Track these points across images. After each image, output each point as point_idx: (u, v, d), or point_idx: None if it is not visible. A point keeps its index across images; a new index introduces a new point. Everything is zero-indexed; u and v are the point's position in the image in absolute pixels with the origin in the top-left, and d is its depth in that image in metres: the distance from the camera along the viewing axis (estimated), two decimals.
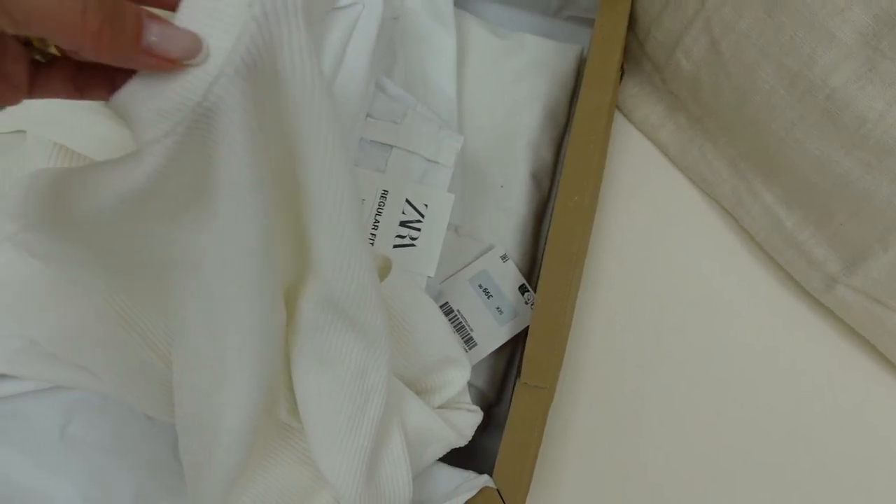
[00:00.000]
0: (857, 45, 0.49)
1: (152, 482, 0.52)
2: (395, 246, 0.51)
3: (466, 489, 0.47)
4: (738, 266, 0.65)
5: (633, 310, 0.64)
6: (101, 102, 0.28)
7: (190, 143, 0.27)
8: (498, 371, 0.61)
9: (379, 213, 0.51)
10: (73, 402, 0.50)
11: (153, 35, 0.24)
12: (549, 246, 0.52)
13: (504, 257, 0.59)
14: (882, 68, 0.48)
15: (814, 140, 0.54)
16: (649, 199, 0.67)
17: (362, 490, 0.41)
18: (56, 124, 0.29)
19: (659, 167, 0.68)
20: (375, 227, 0.51)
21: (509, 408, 0.51)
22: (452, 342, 0.47)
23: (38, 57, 0.27)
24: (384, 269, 0.43)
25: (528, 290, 0.59)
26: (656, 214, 0.66)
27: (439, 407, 0.48)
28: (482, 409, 0.59)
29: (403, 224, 0.51)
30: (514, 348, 0.63)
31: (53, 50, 0.27)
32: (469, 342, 0.57)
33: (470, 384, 0.52)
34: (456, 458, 0.50)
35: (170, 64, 0.25)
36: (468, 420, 0.48)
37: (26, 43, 0.26)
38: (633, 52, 0.67)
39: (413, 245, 0.51)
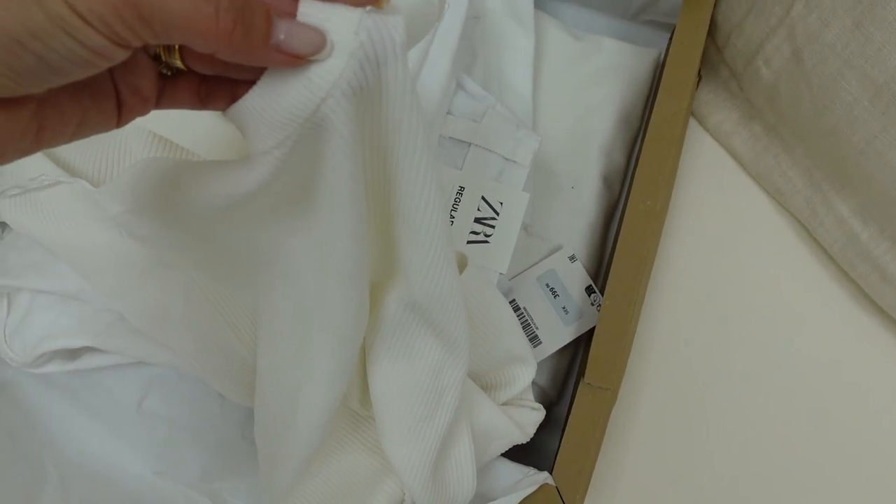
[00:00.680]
0: None
1: (219, 460, 0.54)
2: (469, 242, 0.52)
3: (527, 485, 0.48)
4: (809, 278, 0.64)
5: (700, 317, 0.64)
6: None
7: (298, 154, 0.28)
8: (560, 370, 0.61)
9: (455, 209, 0.52)
10: (152, 377, 0.52)
11: (282, 33, 0.25)
12: (619, 248, 0.52)
13: (572, 258, 0.60)
14: None
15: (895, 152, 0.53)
16: (720, 207, 0.66)
17: (429, 483, 0.42)
18: (158, 117, 0.30)
19: (731, 175, 0.67)
20: (451, 223, 0.52)
21: (570, 407, 0.51)
22: (521, 340, 0.47)
23: (165, 70, 0.28)
24: (460, 266, 0.44)
25: (594, 292, 0.60)
26: (727, 222, 0.66)
27: (504, 403, 0.49)
28: (543, 406, 0.60)
29: (478, 221, 0.52)
30: (576, 348, 0.63)
31: (179, 64, 0.28)
32: (534, 340, 0.58)
33: (532, 382, 0.53)
34: (514, 453, 0.51)
35: (298, 60, 0.26)
36: (531, 417, 0.49)
37: (155, 57, 0.28)
38: (711, 58, 0.67)
39: (487, 242, 0.52)
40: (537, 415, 0.50)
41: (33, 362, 0.48)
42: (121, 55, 0.23)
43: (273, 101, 0.27)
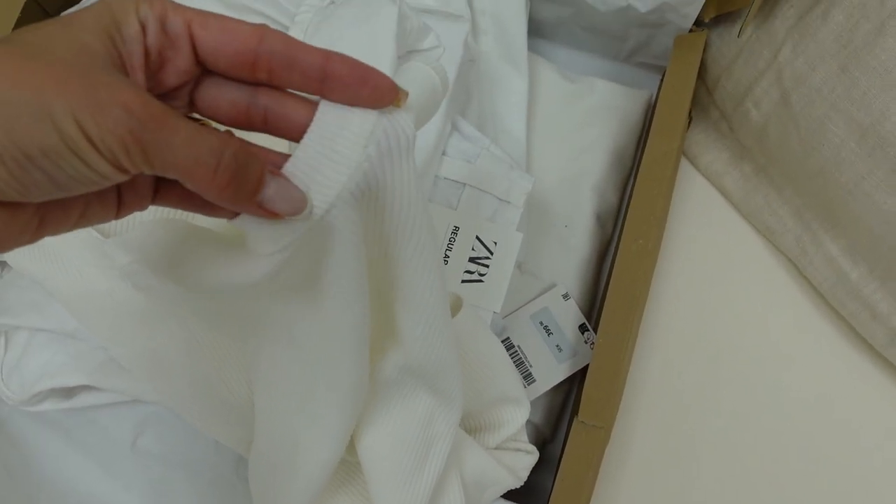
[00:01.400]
0: None
1: (214, 499, 0.53)
2: (464, 281, 0.53)
3: None
4: (799, 316, 0.65)
5: (692, 355, 0.64)
6: None
7: (301, 254, 0.29)
8: (554, 408, 0.61)
9: (449, 249, 0.53)
10: (147, 415, 0.52)
11: (269, 190, 0.26)
12: (612, 288, 0.52)
13: (566, 296, 0.60)
14: None
15: (883, 195, 0.54)
16: (712, 246, 0.67)
17: None
18: None
19: (722, 214, 0.68)
20: (445, 262, 0.53)
21: (564, 446, 0.51)
22: (514, 381, 0.47)
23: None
24: (454, 307, 0.44)
25: (587, 330, 0.60)
26: (718, 260, 0.67)
27: (496, 447, 0.49)
28: (537, 444, 0.60)
29: (472, 260, 0.53)
30: (570, 386, 0.63)
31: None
32: (528, 378, 0.58)
33: (527, 420, 0.53)
34: (507, 493, 0.51)
35: (276, 216, 0.27)
36: (524, 462, 0.49)
37: None
38: (701, 99, 0.68)
39: (481, 281, 0.53)
40: (530, 458, 0.49)
41: (29, 400, 0.48)
42: (120, 178, 0.23)
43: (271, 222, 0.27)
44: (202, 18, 0.26)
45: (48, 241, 0.43)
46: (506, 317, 0.59)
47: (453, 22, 0.54)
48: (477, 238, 0.53)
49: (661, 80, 0.65)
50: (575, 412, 0.52)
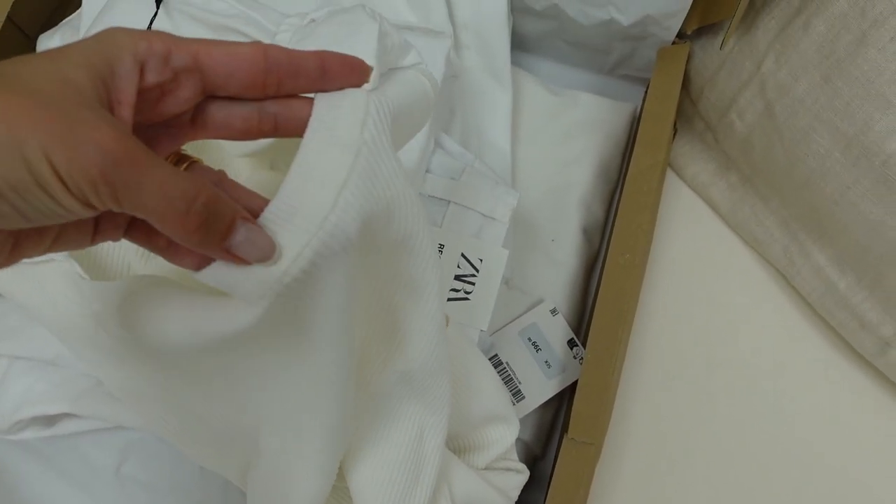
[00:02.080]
0: None
1: None
2: (450, 299, 0.52)
3: None
4: (788, 326, 0.65)
5: (682, 368, 0.64)
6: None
7: (280, 306, 0.28)
8: (544, 424, 0.61)
9: None
10: (131, 441, 0.51)
11: (239, 237, 0.26)
12: (599, 303, 0.52)
13: (553, 311, 0.60)
14: None
15: (869, 204, 0.54)
16: (699, 257, 0.67)
17: None
18: None
19: (709, 225, 0.68)
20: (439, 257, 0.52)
21: (554, 463, 0.51)
22: (502, 400, 0.47)
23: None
24: None
25: (576, 345, 0.60)
26: (707, 272, 0.67)
27: (485, 468, 0.48)
28: (528, 462, 0.60)
29: (458, 278, 0.52)
30: (560, 402, 0.63)
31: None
32: (517, 395, 0.58)
33: (517, 437, 0.52)
34: None
35: (243, 262, 0.27)
36: (514, 481, 0.48)
37: None
38: (686, 111, 0.68)
39: (467, 299, 0.52)
40: (520, 478, 0.49)
41: (10, 429, 0.47)
42: (89, 214, 0.23)
43: (235, 280, 0.27)
44: (207, 48, 0.27)
45: (32, 269, 0.43)
46: (493, 333, 0.58)
47: (435, 38, 0.54)
48: (462, 255, 0.52)
49: (646, 92, 0.65)
50: (565, 429, 0.51)
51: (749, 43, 0.58)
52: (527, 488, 0.50)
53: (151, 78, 0.26)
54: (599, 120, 0.67)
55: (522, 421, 0.58)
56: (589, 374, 0.51)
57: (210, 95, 0.28)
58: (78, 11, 0.55)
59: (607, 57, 0.69)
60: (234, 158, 0.47)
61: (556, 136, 0.66)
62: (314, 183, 0.28)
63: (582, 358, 0.57)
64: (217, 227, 0.25)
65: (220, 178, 0.30)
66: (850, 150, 0.53)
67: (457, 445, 0.47)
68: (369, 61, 0.31)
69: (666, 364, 0.64)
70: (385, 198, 0.30)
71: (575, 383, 0.57)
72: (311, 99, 0.29)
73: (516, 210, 0.54)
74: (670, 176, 0.70)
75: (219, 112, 0.29)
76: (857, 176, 0.54)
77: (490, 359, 0.57)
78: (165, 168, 0.24)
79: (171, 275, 0.41)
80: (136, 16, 0.50)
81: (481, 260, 0.52)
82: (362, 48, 0.47)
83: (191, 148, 0.33)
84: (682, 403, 0.63)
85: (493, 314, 0.54)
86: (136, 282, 0.33)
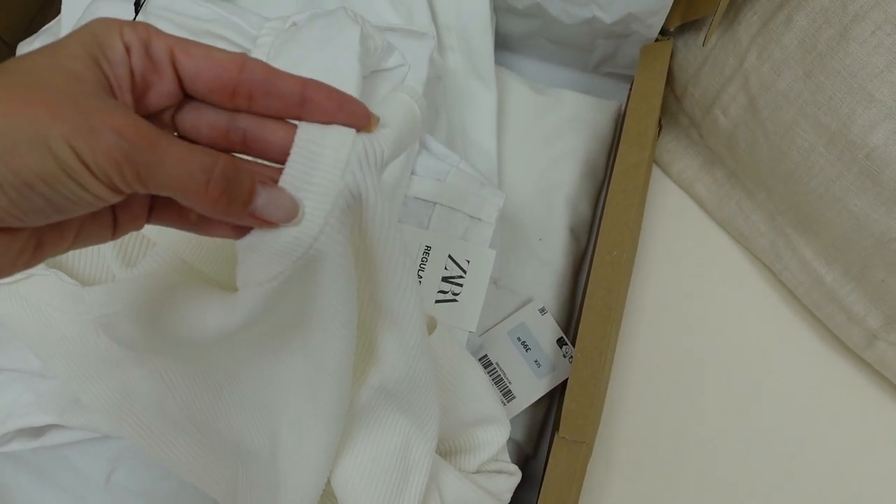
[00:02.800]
0: None
1: None
2: (438, 301, 0.52)
3: None
4: (776, 320, 0.65)
5: (671, 364, 0.64)
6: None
7: (289, 287, 0.29)
8: (535, 424, 0.61)
9: (422, 269, 0.52)
10: (120, 450, 0.51)
11: (261, 200, 0.27)
12: (587, 301, 0.52)
13: (542, 310, 0.60)
14: None
15: (853, 197, 0.54)
16: (686, 253, 0.67)
17: None
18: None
19: (696, 220, 0.68)
20: (419, 283, 0.52)
21: (546, 462, 0.51)
22: (492, 401, 0.47)
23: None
24: (429, 327, 0.44)
25: (565, 344, 0.60)
26: (693, 268, 0.67)
27: (476, 471, 0.48)
28: (519, 462, 0.60)
29: (446, 280, 0.52)
30: (551, 401, 0.63)
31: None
32: (507, 395, 0.58)
33: (508, 437, 0.52)
34: None
35: (270, 224, 0.28)
36: (505, 484, 0.48)
37: None
38: (670, 107, 0.68)
39: (455, 300, 0.52)
40: (512, 480, 0.49)
41: None
42: (116, 199, 0.24)
43: (268, 241, 0.28)
44: (185, 45, 0.27)
45: (6, 286, 0.42)
46: (482, 334, 0.58)
47: (418, 39, 0.54)
48: (449, 257, 0.52)
49: (630, 89, 0.65)
50: (556, 428, 0.51)
51: (731, 39, 0.58)
52: (519, 488, 0.50)
53: (135, 63, 0.26)
54: (584, 118, 0.67)
55: (513, 421, 0.58)
56: (579, 373, 0.50)
57: (187, 95, 0.28)
58: (57, 18, 0.55)
59: (591, 55, 0.69)
60: None
61: (542, 136, 0.66)
62: (323, 150, 0.28)
63: (571, 356, 0.57)
64: (239, 193, 0.26)
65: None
66: (833, 143, 0.53)
67: (447, 448, 0.47)
68: (353, 67, 0.31)
69: (655, 360, 0.64)
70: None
71: (565, 382, 0.57)
72: (289, 124, 0.29)
73: (503, 210, 0.54)
74: (656, 172, 0.70)
75: (190, 112, 0.29)
76: (841, 169, 0.54)
77: (480, 359, 0.57)
78: (181, 144, 0.25)
79: (175, 273, 0.42)
80: None
81: (468, 261, 0.52)
82: (345, 51, 0.47)
83: None
84: (672, 399, 0.63)
85: (481, 315, 0.54)
86: (154, 277, 0.33)
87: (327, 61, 0.47)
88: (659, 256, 0.67)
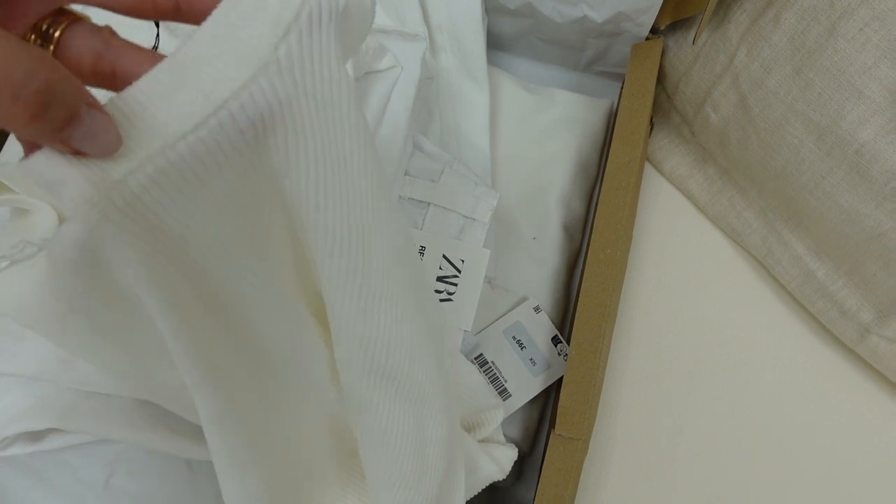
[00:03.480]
0: (885, 101, 0.50)
1: None
2: None
3: None
4: (769, 316, 0.65)
5: (666, 361, 0.64)
6: None
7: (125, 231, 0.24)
8: (531, 422, 0.61)
9: None
10: (118, 453, 0.51)
11: (82, 128, 0.22)
12: (582, 299, 0.52)
13: (537, 309, 0.60)
14: None
15: (843, 193, 0.54)
16: (680, 250, 0.67)
17: None
18: None
19: (689, 217, 0.69)
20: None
21: (543, 460, 0.51)
22: (486, 395, 0.47)
23: None
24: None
25: (560, 342, 0.60)
26: (687, 265, 0.67)
27: (480, 441, 0.48)
28: (515, 461, 0.60)
29: (441, 279, 0.53)
30: (546, 399, 0.63)
31: None
32: (503, 393, 0.58)
33: (504, 435, 0.53)
34: None
35: (78, 155, 0.22)
36: (507, 454, 0.49)
37: None
38: (662, 105, 0.69)
39: (450, 300, 0.53)
40: (512, 451, 0.49)
41: None
42: None
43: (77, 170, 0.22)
44: None
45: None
46: (478, 333, 0.59)
47: (410, 41, 0.54)
48: (444, 257, 0.53)
49: (621, 88, 0.65)
50: (552, 425, 0.52)
51: (721, 37, 0.59)
52: (518, 484, 0.50)
53: None
54: (577, 117, 0.67)
55: (509, 419, 0.58)
56: (574, 370, 0.51)
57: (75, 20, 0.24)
58: None
59: (582, 54, 0.70)
60: None
61: (535, 135, 0.66)
62: (217, 60, 0.23)
63: (566, 354, 0.57)
64: (56, 116, 0.21)
65: (107, 38, 0.25)
66: (823, 140, 0.54)
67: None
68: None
69: (650, 357, 0.64)
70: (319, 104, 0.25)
71: (560, 379, 0.57)
72: (157, 56, 0.24)
73: (497, 209, 0.55)
74: (649, 170, 0.70)
75: (75, 38, 0.24)
76: (831, 165, 0.54)
77: (475, 358, 0.58)
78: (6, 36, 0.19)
79: None
80: None
81: (463, 261, 0.53)
82: None
83: None
84: (667, 395, 0.63)
85: (476, 314, 0.54)
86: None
87: None
88: (652, 253, 0.67)
